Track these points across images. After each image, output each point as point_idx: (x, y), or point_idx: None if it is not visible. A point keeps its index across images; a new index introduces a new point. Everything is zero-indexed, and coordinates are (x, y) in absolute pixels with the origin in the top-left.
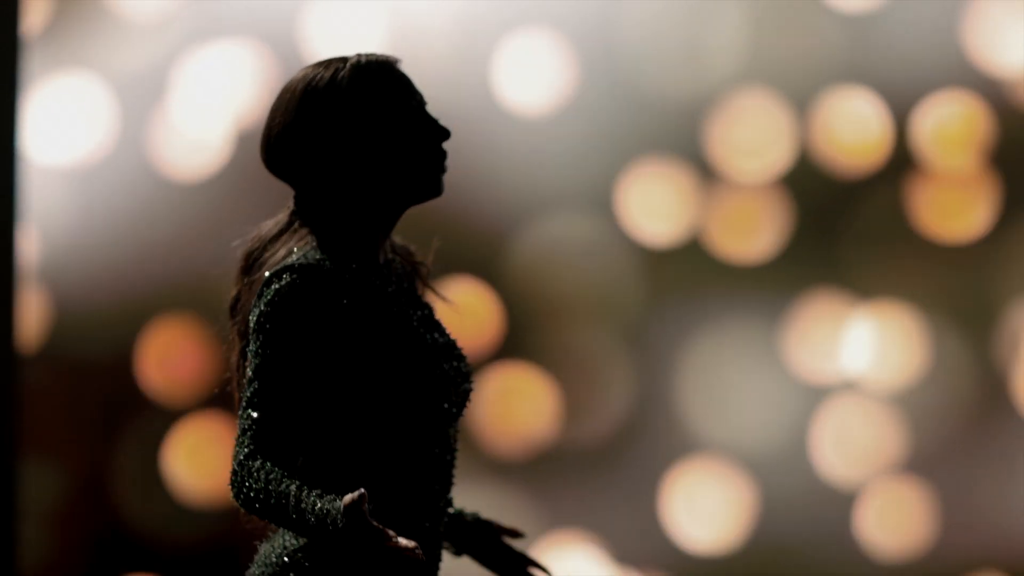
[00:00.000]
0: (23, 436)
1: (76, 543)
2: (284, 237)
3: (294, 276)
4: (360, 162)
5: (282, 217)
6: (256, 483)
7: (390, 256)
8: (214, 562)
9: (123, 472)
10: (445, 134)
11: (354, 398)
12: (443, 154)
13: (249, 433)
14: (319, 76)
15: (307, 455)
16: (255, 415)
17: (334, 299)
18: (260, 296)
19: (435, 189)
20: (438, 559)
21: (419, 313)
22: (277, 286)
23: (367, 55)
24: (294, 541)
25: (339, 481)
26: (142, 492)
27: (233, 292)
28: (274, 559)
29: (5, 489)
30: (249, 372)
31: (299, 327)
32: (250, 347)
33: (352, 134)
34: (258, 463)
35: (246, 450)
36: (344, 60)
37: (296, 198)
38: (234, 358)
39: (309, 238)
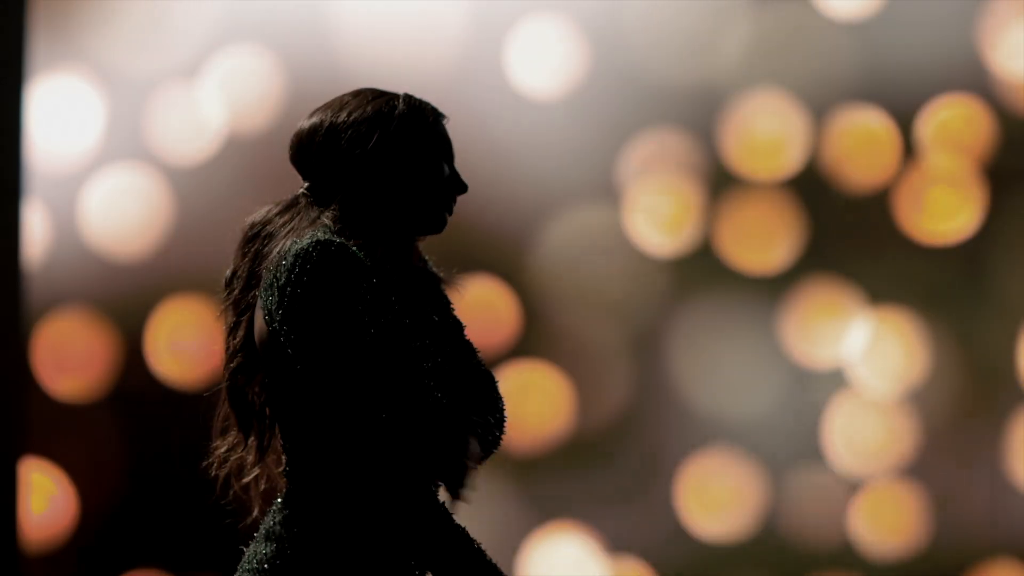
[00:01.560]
0: (28, 432)
1: (83, 535)
2: (291, 213)
3: (329, 250)
4: (382, 188)
5: (288, 198)
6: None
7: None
8: (221, 556)
9: (132, 463)
10: (463, 188)
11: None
12: (454, 202)
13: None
14: (377, 101)
15: (299, 444)
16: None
17: (362, 277)
18: (292, 272)
19: (437, 228)
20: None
21: (425, 316)
22: (314, 260)
23: (420, 99)
24: (272, 548)
25: (332, 471)
26: (153, 483)
27: (232, 265)
28: (255, 564)
29: (8, 486)
30: (339, 367)
31: (346, 295)
32: (295, 329)
33: (387, 162)
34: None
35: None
36: (399, 96)
37: (310, 188)
38: (225, 330)
39: (321, 221)
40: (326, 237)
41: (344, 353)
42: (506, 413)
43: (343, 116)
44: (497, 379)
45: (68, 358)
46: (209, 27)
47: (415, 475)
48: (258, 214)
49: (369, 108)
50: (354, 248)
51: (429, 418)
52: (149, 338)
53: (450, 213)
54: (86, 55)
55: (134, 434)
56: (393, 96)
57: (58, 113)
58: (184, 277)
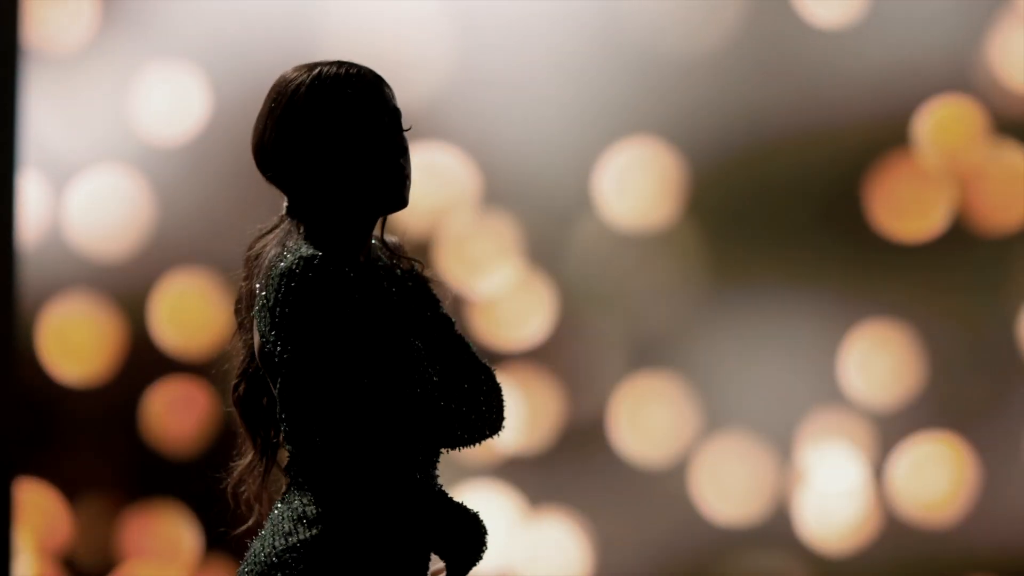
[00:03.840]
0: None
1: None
2: (276, 232)
3: (313, 266)
4: (321, 174)
5: (276, 218)
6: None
7: (377, 256)
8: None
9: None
10: (400, 150)
11: (355, 383)
12: (400, 169)
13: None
14: (283, 88)
15: (301, 441)
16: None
17: (348, 288)
18: (279, 292)
19: (398, 203)
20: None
21: (407, 315)
22: (298, 278)
23: (332, 64)
24: (283, 541)
25: (336, 471)
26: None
27: (237, 294)
28: (263, 558)
29: (5, 482)
30: (313, 378)
31: (334, 309)
32: (287, 348)
33: (309, 148)
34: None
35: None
36: (309, 70)
37: (288, 200)
38: (236, 352)
39: (298, 234)
40: (309, 252)
41: (334, 368)
42: (505, 403)
43: (260, 132)
44: (495, 369)
45: (72, 344)
46: (200, 25)
47: (408, 464)
48: (251, 236)
49: (277, 114)
50: (335, 261)
51: (424, 417)
52: (153, 317)
53: (403, 183)
54: (82, 46)
55: (143, 421)
56: (303, 80)
57: (52, 112)
58: (181, 258)
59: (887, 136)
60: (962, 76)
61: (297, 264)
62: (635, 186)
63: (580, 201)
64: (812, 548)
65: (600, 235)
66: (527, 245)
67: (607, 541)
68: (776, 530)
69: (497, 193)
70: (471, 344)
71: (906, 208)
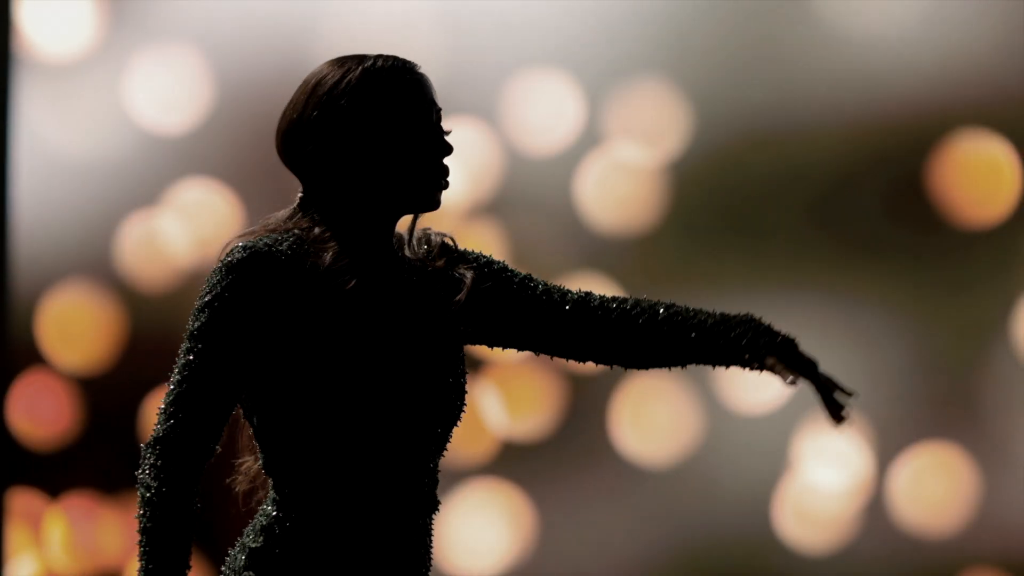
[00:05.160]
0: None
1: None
2: (284, 225)
3: (238, 254)
4: (358, 166)
5: (288, 209)
6: (153, 483)
7: (408, 255)
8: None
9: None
10: (447, 149)
11: (297, 393)
12: (443, 170)
13: (169, 414)
14: (330, 75)
15: (266, 444)
16: (176, 394)
17: (277, 285)
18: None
19: (430, 204)
20: (421, 566)
21: (401, 323)
22: (221, 263)
23: (384, 58)
24: (253, 544)
25: (299, 476)
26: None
27: None
28: (236, 552)
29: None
30: (185, 343)
31: (235, 304)
32: (188, 322)
33: (352, 138)
34: (167, 467)
35: (160, 434)
36: (360, 60)
37: (303, 190)
38: None
39: (290, 224)
40: (243, 243)
41: (182, 355)
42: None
43: (295, 104)
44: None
45: (69, 336)
46: (198, 22)
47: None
48: (262, 226)
49: (321, 94)
50: (283, 249)
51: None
52: (151, 311)
53: (440, 184)
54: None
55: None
56: (349, 70)
57: (44, 108)
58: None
59: (874, 135)
60: (952, 75)
61: (223, 257)
62: (624, 188)
63: (569, 202)
64: (812, 548)
65: (590, 235)
66: (514, 247)
67: (608, 537)
68: (775, 529)
69: (485, 195)
70: (557, 285)
71: (896, 206)
